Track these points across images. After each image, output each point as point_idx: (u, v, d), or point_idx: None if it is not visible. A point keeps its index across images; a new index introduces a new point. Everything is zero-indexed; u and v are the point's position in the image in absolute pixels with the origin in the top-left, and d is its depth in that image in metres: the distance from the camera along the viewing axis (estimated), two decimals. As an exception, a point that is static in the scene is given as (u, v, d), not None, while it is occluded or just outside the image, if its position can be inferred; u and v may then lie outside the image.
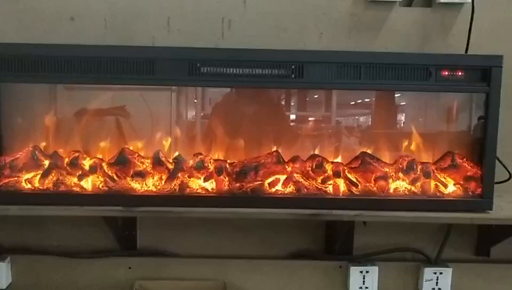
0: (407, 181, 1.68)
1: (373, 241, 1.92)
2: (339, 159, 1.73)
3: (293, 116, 1.91)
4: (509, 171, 1.76)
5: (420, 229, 1.92)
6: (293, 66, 1.58)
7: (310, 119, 1.91)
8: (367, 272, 1.88)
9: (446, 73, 1.61)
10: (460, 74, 1.61)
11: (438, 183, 1.68)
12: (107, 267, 1.89)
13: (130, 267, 1.89)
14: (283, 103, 1.90)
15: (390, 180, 1.68)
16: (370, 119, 1.89)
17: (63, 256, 1.87)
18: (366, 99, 1.88)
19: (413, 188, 1.67)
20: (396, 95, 1.85)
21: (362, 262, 1.90)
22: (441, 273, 1.89)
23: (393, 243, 1.92)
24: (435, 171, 1.69)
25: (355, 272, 1.88)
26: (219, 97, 1.85)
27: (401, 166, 1.69)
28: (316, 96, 1.89)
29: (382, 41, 1.85)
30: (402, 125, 1.88)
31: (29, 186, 1.63)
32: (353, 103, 1.89)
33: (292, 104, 1.91)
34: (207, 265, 1.90)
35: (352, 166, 1.70)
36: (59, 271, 1.88)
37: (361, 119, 1.89)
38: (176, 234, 1.93)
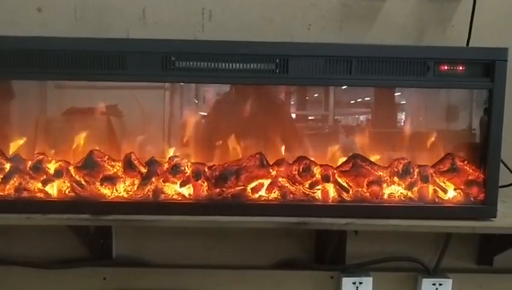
0: (403, 186, 1.56)
1: (367, 250, 1.82)
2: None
3: (280, 115, 1.77)
4: (514, 175, 1.64)
5: (418, 236, 1.82)
6: (277, 60, 1.46)
7: (296, 117, 1.79)
8: (360, 283, 1.78)
9: (445, 67, 1.49)
10: (461, 68, 1.49)
11: (437, 189, 1.56)
12: (79, 278, 1.77)
13: (104, 278, 1.78)
14: (269, 99, 1.77)
15: (385, 185, 1.56)
16: (362, 118, 1.77)
17: (31, 266, 1.75)
18: (358, 98, 1.76)
19: (409, 194, 1.55)
20: (390, 92, 1.73)
21: (355, 272, 1.79)
22: (440, 284, 1.79)
23: (389, 252, 1.82)
24: (434, 175, 1.57)
25: (347, 283, 1.78)
26: (207, 94, 1.73)
27: (396, 169, 1.56)
28: (306, 95, 1.77)
29: (376, 34, 1.75)
30: (396, 124, 1.76)
31: (-13, 192, 1.50)
32: (344, 100, 1.76)
33: (279, 101, 1.78)
34: (188, 275, 1.80)
35: (343, 169, 1.57)
36: (26, 283, 1.76)
37: (353, 118, 1.77)
38: (155, 242, 1.82)
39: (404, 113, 1.74)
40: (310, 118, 1.79)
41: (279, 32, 1.73)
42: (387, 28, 1.75)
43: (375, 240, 1.80)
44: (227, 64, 1.46)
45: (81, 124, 1.65)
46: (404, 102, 1.76)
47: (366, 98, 1.75)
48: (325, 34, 1.74)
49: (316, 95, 1.76)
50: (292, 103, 1.79)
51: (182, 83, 1.65)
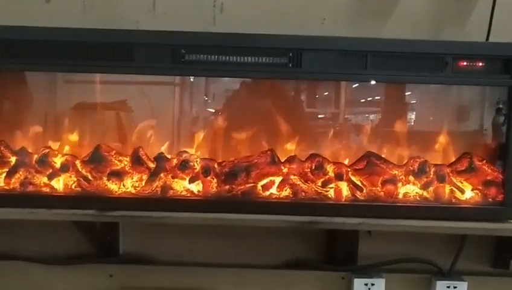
0: (419, 185, 1.52)
1: (380, 250, 1.76)
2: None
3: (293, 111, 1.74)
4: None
5: (432, 237, 1.75)
6: (290, 54, 1.43)
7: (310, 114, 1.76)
8: (372, 284, 1.73)
9: (464, 63, 1.45)
10: (480, 64, 1.45)
11: (454, 189, 1.52)
12: (85, 275, 1.74)
13: (111, 275, 1.75)
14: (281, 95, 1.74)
15: (400, 184, 1.52)
16: (377, 115, 1.73)
17: (36, 262, 1.72)
18: (374, 93, 1.71)
19: (425, 194, 1.52)
20: (406, 88, 1.70)
21: (367, 273, 1.75)
22: (455, 287, 1.73)
23: (402, 253, 1.76)
24: (450, 174, 1.53)
25: (359, 284, 1.73)
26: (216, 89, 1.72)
27: (411, 168, 1.53)
28: (317, 88, 1.74)
29: (392, 28, 1.70)
30: (412, 122, 1.73)
31: (-8, 185, 1.48)
32: (358, 96, 1.72)
33: (291, 96, 1.75)
34: (196, 274, 1.76)
35: (357, 168, 1.53)
36: (31, 279, 1.73)
37: (368, 116, 1.73)
38: (163, 239, 1.78)
39: (422, 111, 1.70)
40: (319, 116, 1.76)
41: (292, 26, 1.69)
42: (404, 23, 1.70)
43: (388, 240, 1.75)
44: (238, 57, 1.43)
45: (89, 119, 1.63)
46: (423, 99, 1.72)
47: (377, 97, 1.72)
48: (338, 28, 1.70)
49: (326, 93, 1.73)
50: (303, 98, 1.76)
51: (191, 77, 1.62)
